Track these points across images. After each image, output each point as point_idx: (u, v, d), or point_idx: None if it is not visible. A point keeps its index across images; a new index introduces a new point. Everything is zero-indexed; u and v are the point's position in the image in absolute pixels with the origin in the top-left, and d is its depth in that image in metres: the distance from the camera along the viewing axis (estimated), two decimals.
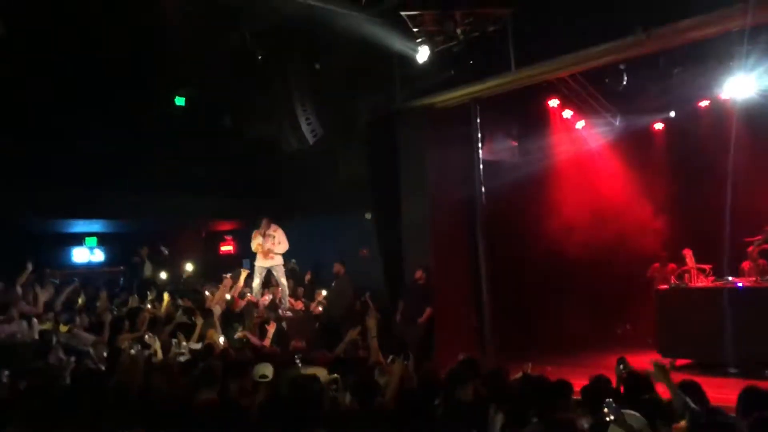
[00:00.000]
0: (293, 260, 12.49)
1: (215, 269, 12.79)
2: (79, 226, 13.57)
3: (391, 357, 5.31)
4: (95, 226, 13.84)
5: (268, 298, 10.74)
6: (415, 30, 8.99)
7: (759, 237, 9.65)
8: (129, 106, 11.44)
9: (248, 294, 10.31)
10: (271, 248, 10.69)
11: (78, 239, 14.03)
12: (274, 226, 10.86)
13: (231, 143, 12.93)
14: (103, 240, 14.41)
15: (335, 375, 4.81)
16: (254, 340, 8.55)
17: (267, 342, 8.18)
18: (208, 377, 4.75)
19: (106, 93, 11.02)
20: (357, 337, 6.88)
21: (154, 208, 12.93)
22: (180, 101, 12.34)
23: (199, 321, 8.20)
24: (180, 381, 5.22)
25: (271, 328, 8.43)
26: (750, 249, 9.55)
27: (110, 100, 11.17)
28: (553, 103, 10.98)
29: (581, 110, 11.44)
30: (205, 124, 12.75)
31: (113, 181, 11.76)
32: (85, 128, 11.19)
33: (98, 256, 14.33)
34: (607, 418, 3.48)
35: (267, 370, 5.02)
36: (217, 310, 9.06)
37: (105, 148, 11.51)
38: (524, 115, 11.37)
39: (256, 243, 10.81)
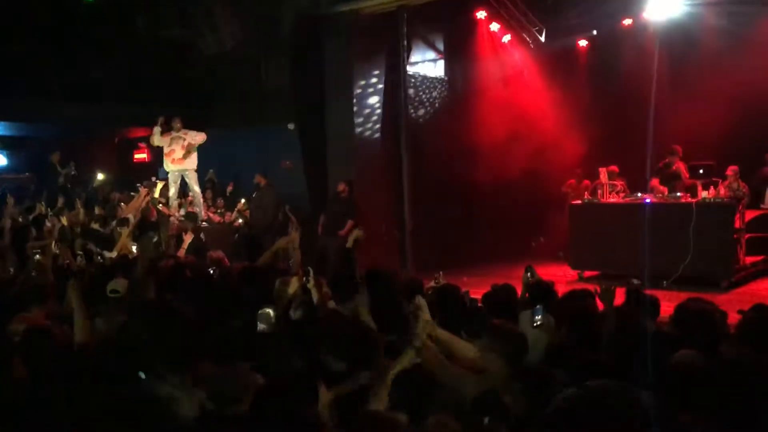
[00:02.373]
0: (212, 170, 12.17)
1: (129, 177, 12.30)
2: None
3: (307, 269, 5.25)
4: None
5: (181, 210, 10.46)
6: None
7: (669, 159, 10.02)
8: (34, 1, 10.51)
9: (160, 204, 9.99)
10: (180, 153, 10.23)
11: None
12: (184, 130, 10.38)
13: (145, 45, 12.15)
14: (6, 145, 13.54)
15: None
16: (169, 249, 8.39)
17: (182, 252, 8.03)
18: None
19: None
20: (285, 247, 6.78)
21: (63, 112, 12.15)
22: None
23: (125, 231, 7.95)
24: None
25: (188, 238, 8.26)
26: (660, 165, 9.96)
27: None
28: (481, 14, 10.81)
29: (508, 24, 11.33)
30: (117, 24, 11.88)
31: (17, 83, 10.93)
32: None
33: (1, 161, 13.52)
34: (535, 324, 3.59)
35: (119, 285, 4.80)
36: (132, 219, 8.79)
37: (8, 47, 10.61)
38: (451, 27, 11.17)
39: (156, 138, 10.32)
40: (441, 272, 5.94)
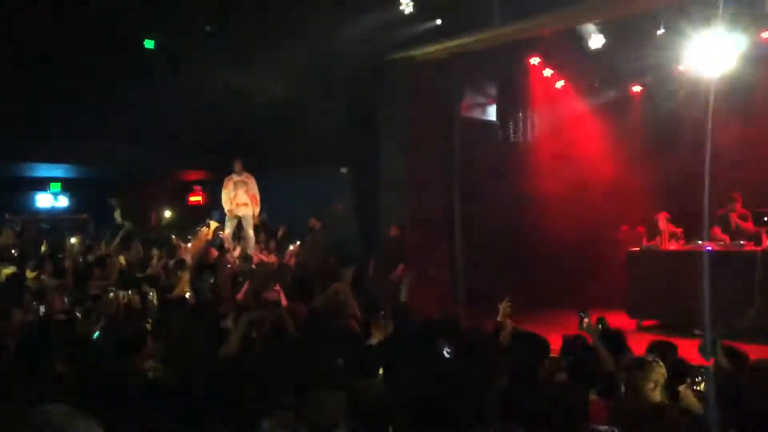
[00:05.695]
0: (264, 212, 12.28)
1: (183, 220, 12.49)
2: (42, 170, 13.09)
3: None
4: (58, 171, 13.39)
5: (238, 250, 10.58)
6: None
7: (729, 206, 9.83)
8: (95, 46, 10.93)
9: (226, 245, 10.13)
10: (245, 198, 10.48)
11: (42, 184, 13.58)
12: (246, 174, 10.64)
13: (201, 90, 12.48)
14: (67, 186, 13.97)
15: None
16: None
17: (241, 296, 8.07)
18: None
19: (72, 33, 10.50)
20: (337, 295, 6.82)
21: (121, 155, 12.50)
22: (149, 44, 11.82)
23: (185, 275, 8.07)
24: None
25: (247, 285, 8.31)
26: (722, 212, 9.74)
27: (78, 41, 10.66)
28: (535, 60, 10.85)
29: (562, 70, 11.34)
30: (175, 70, 12.25)
31: (79, 126, 11.31)
32: (48, 70, 10.68)
33: (62, 201, 13.93)
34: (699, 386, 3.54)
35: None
36: (188, 260, 8.91)
37: (70, 91, 11.02)
38: (504, 72, 11.24)
39: (225, 195, 10.57)
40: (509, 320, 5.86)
